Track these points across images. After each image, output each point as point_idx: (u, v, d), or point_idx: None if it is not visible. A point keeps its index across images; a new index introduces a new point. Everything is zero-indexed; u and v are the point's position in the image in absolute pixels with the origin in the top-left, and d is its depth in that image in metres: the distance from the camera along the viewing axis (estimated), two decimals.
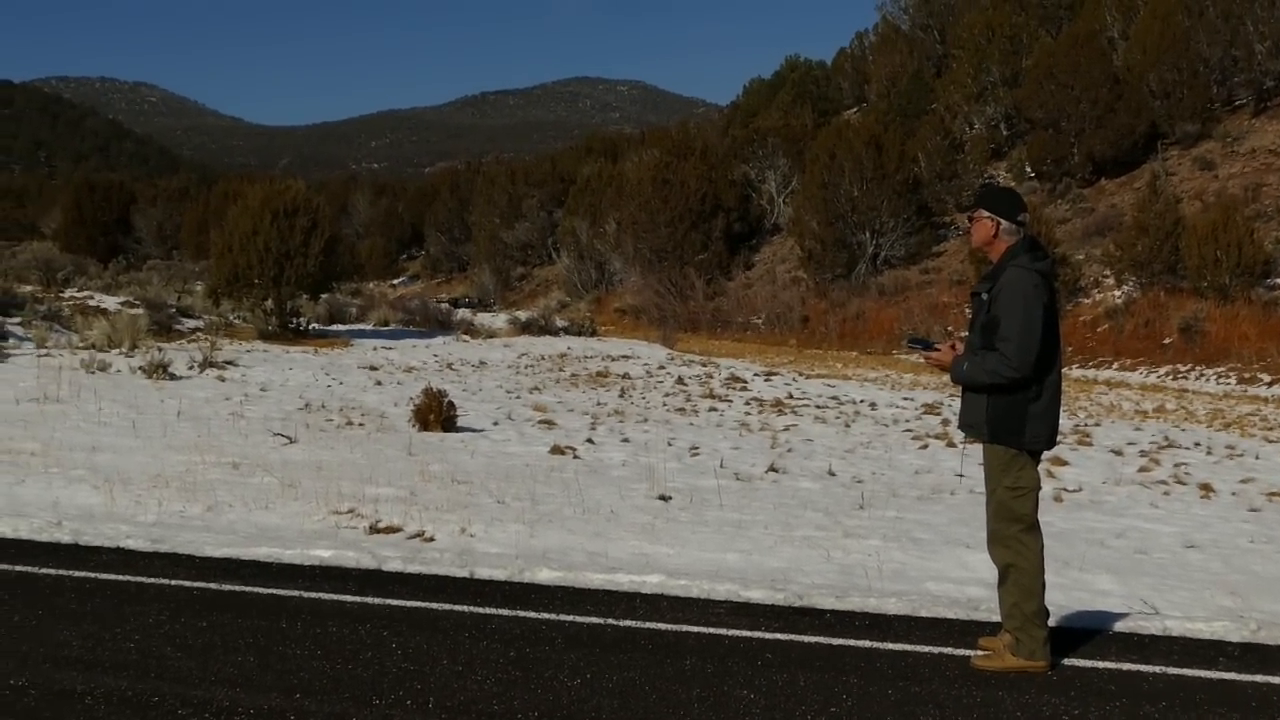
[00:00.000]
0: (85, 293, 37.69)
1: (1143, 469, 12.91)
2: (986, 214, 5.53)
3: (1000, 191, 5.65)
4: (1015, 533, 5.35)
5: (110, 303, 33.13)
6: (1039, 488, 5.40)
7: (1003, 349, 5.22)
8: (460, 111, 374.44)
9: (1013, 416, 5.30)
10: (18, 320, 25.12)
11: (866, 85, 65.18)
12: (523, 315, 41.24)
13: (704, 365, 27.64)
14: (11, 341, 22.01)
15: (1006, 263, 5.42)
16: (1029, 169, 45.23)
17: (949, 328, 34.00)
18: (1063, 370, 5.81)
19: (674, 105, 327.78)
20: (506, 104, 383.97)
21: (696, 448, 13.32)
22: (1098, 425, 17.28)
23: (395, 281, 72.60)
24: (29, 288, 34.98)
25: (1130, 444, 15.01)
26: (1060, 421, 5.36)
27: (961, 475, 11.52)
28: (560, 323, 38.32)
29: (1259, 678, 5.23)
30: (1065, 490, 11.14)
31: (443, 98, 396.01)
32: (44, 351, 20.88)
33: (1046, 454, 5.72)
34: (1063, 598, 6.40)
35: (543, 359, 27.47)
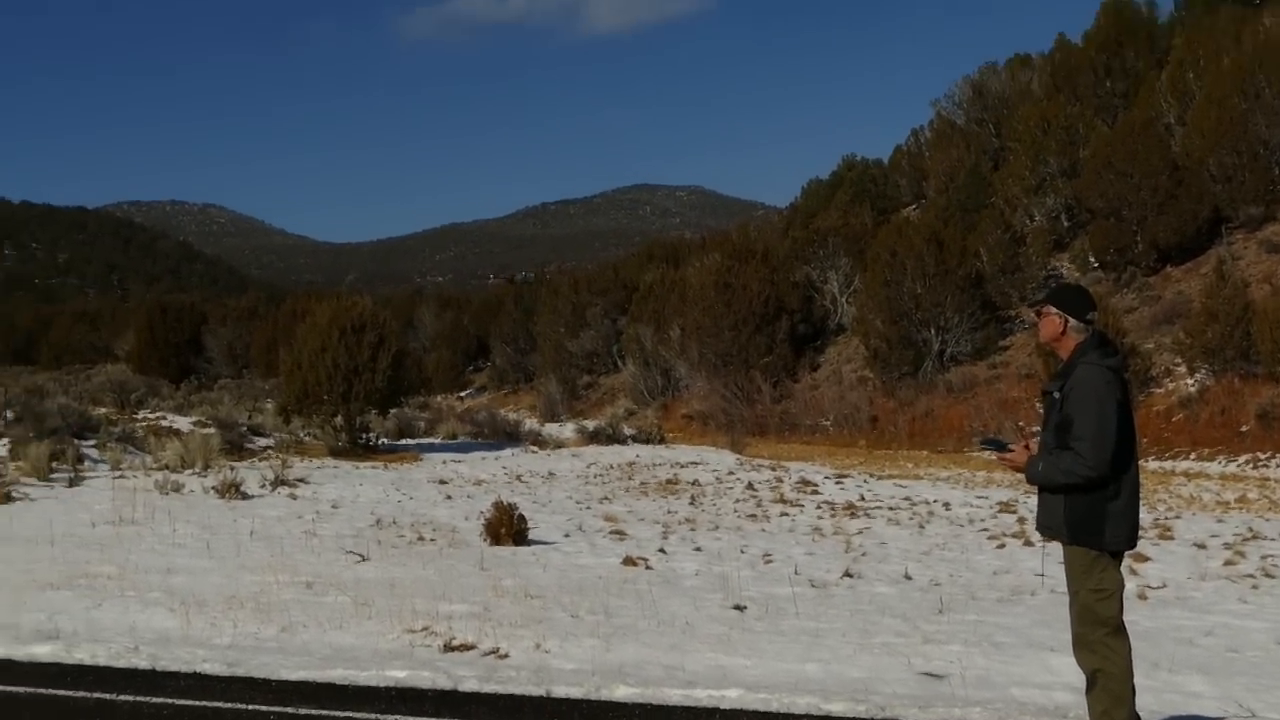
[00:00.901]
0: (158, 414, 38.17)
1: (1228, 562, 12.64)
2: (1054, 311, 5.49)
3: (1068, 289, 5.61)
4: (1101, 636, 5.23)
5: (183, 423, 33.50)
6: (1123, 588, 5.29)
7: (1078, 448, 5.15)
8: (522, 223, 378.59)
9: (1092, 517, 5.21)
10: (93, 443, 25.46)
11: (924, 182, 65.27)
12: (590, 424, 41.26)
13: (773, 469, 27.47)
14: (87, 464, 22.28)
15: (1077, 360, 5.37)
16: (1092, 259, 44.95)
17: (1019, 423, 33.63)
18: (1139, 464, 5.71)
19: (733, 209, 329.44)
20: (568, 214, 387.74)
21: (769, 555, 13.19)
22: (1178, 518, 16.96)
23: (462, 394, 73.00)
24: (104, 410, 35.45)
25: (1213, 537, 14.71)
26: (1140, 517, 5.26)
27: (1042, 575, 11.30)
28: (628, 431, 38.27)
29: None
30: (1149, 587, 10.92)
31: (505, 210, 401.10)
32: (118, 474, 21.12)
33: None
34: (1154, 701, 6.24)
35: (611, 468, 27.42)
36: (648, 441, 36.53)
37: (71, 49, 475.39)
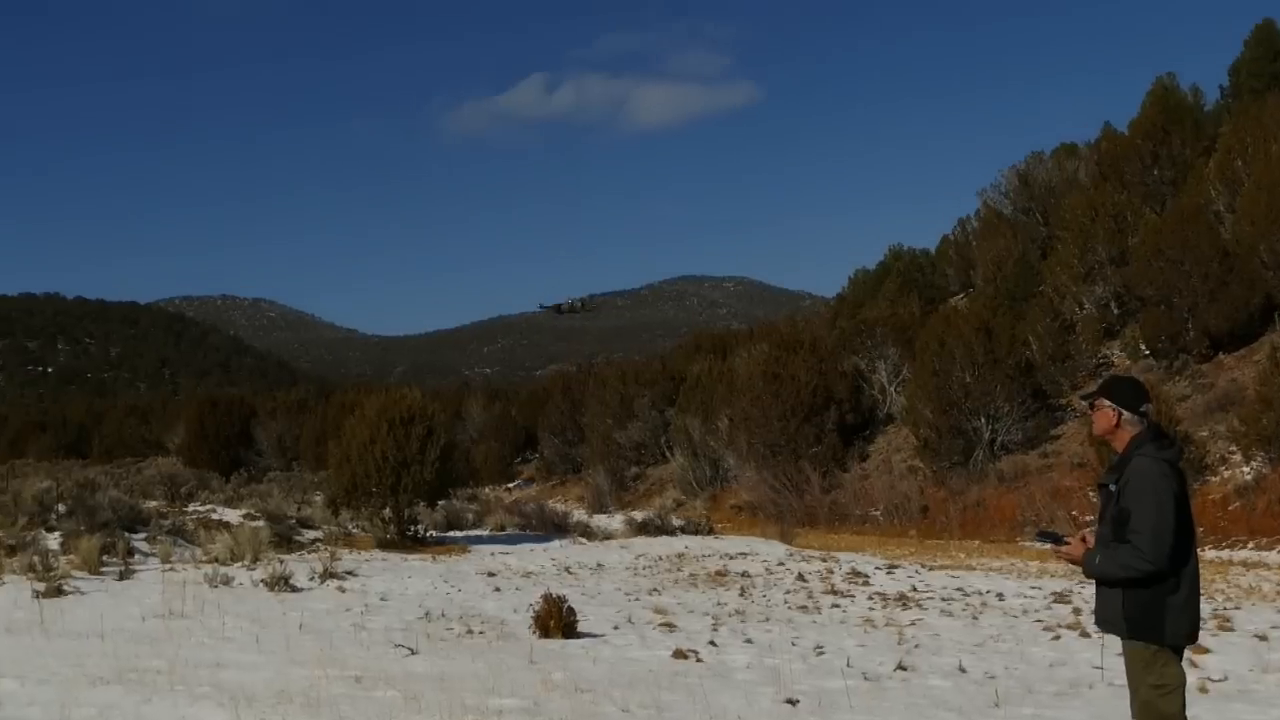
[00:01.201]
0: (208, 506, 38.41)
1: None
2: (1108, 404, 5.46)
3: (1122, 381, 5.58)
4: None
5: (232, 516, 33.67)
6: (1184, 684, 5.20)
7: (1135, 541, 5.08)
8: (569, 315, 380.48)
9: (1151, 611, 5.13)
10: (143, 536, 25.62)
11: (972, 271, 65.21)
12: (638, 516, 41.11)
13: (824, 560, 27.24)
14: (137, 558, 22.41)
15: (1132, 452, 5.32)
16: (1143, 347, 44.63)
17: (1072, 512, 33.25)
18: (1198, 555, 5.63)
19: (780, 299, 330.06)
20: (614, 305, 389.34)
21: (821, 647, 13.05)
22: (1237, 609, 16.65)
23: (510, 485, 73.01)
24: (154, 503, 35.73)
25: (1275, 628, 14.43)
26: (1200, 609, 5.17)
27: (1100, 668, 11.12)
28: (676, 522, 38.12)
29: None
30: (1210, 680, 10.70)
31: (552, 302, 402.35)
32: (168, 567, 21.21)
33: None
34: None
35: (660, 559, 27.27)
36: (696, 533, 36.37)
37: (125, 146, 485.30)
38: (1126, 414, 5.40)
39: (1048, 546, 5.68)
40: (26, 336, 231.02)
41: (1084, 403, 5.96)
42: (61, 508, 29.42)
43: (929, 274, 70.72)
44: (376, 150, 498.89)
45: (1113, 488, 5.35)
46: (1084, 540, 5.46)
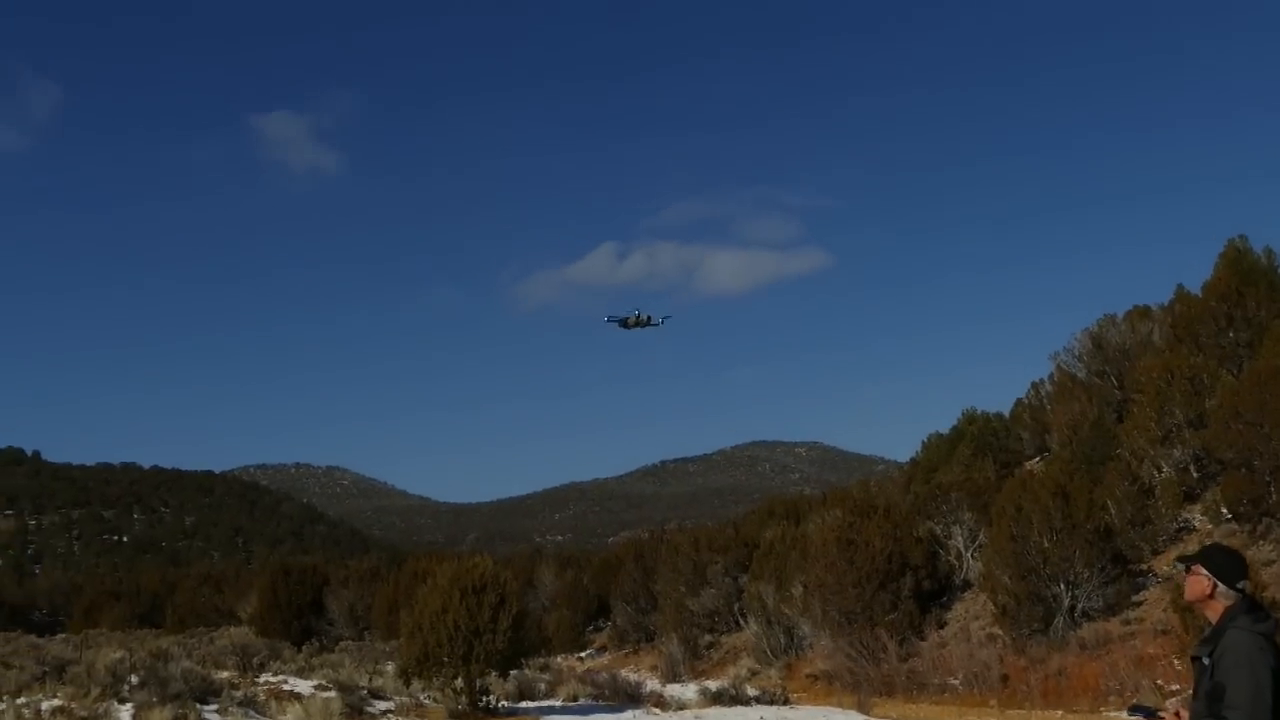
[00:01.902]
0: (280, 677, 38.31)
1: None
2: (1204, 572, 5.36)
3: (1221, 552, 5.49)
4: None
5: (304, 687, 33.56)
6: None
7: (1230, 717, 4.96)
8: (641, 481, 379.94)
9: None
10: (215, 708, 25.58)
11: (1047, 434, 64.61)
12: (712, 685, 40.54)
13: None
14: None
15: (1226, 624, 5.21)
16: (1225, 511, 43.82)
17: (1157, 681, 32.37)
18: None
19: (853, 464, 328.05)
20: (686, 471, 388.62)
21: None
22: None
23: (583, 654, 72.29)
24: (226, 674, 35.71)
25: None
26: None
27: None
28: (751, 691, 37.53)
29: None
30: None
31: (623, 468, 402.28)
32: None
33: None
34: None
35: None
36: (771, 702, 35.80)
37: (200, 320, 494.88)
38: (1221, 586, 5.29)
39: None
40: (103, 506, 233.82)
41: (1179, 566, 5.86)
42: (134, 678, 29.48)
43: (1003, 438, 70.11)
44: (449, 319, 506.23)
45: (1206, 660, 5.22)
46: (1177, 715, 5.33)
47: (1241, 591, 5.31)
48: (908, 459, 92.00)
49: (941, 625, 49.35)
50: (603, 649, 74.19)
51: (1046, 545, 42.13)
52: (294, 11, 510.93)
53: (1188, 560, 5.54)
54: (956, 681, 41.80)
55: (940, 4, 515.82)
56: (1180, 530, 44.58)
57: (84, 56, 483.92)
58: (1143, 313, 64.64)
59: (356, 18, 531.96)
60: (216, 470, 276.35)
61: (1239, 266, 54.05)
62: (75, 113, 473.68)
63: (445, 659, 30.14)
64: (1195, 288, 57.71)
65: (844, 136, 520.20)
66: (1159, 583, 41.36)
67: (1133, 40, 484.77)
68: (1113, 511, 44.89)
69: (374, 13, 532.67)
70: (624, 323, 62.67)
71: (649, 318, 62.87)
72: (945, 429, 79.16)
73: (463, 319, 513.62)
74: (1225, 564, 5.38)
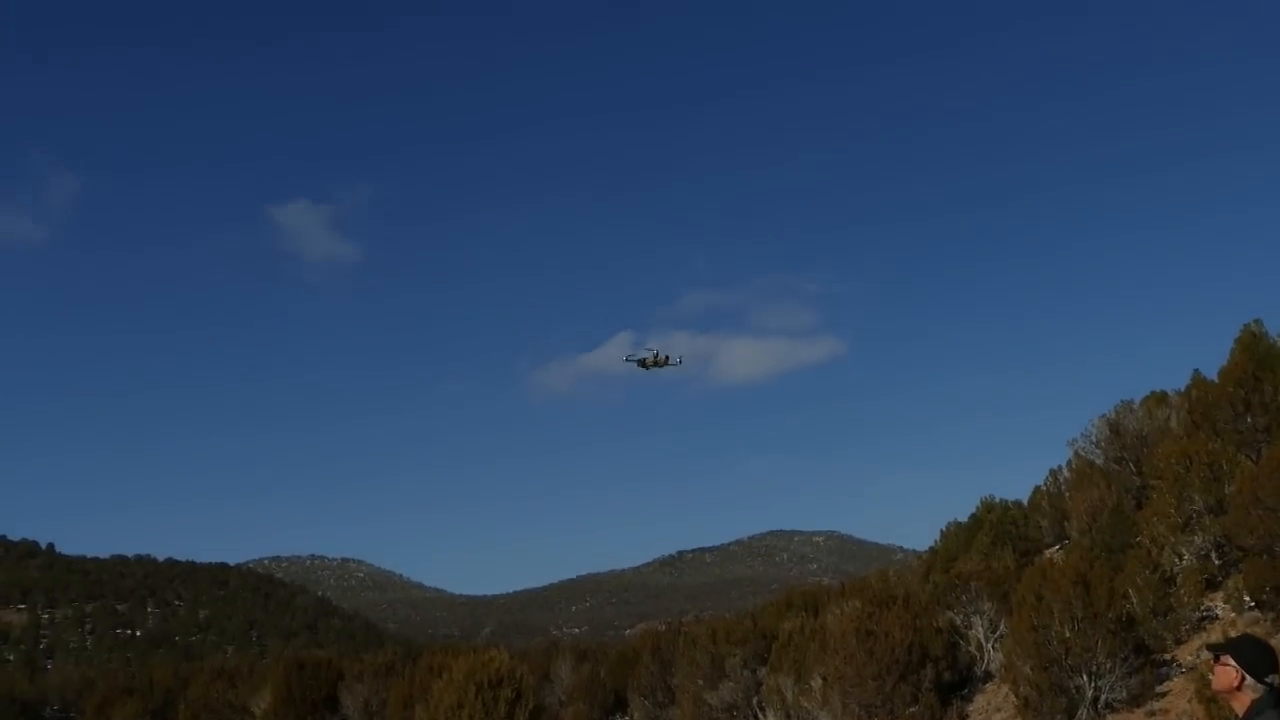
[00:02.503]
0: None
1: None
2: (1233, 664, 5.30)
3: (1252, 645, 5.42)
4: None
5: None
6: None
7: None
8: (658, 572, 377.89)
9: None
10: None
11: (1066, 522, 64.28)
12: None
13: None
14: None
15: (1252, 718, 5.14)
16: (1248, 598, 43.39)
17: None
18: None
19: (871, 553, 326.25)
20: (703, 562, 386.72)
21: None
22: None
23: None
24: None
25: None
26: None
27: None
28: None
29: None
30: None
31: (640, 559, 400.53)
32: None
33: None
34: None
35: None
36: None
37: (219, 420, 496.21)
38: (1250, 679, 5.23)
39: None
40: (116, 599, 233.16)
41: (1209, 654, 5.79)
42: None
43: (1022, 526, 69.70)
44: (463, 409, 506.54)
45: None
46: None
47: (1270, 685, 5.24)
48: (926, 548, 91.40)
49: (963, 718, 48.75)
50: None
51: (1068, 635, 41.69)
52: (313, 103, 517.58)
53: (1217, 650, 5.47)
54: None
55: (954, 99, 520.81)
56: (1203, 619, 44.12)
57: (103, 147, 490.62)
58: (1160, 399, 64.49)
59: (375, 109, 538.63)
60: (231, 562, 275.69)
61: (1255, 351, 53.95)
62: (93, 202, 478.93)
63: None
64: (1212, 373, 57.61)
65: (859, 224, 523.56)
66: (1183, 673, 40.85)
67: (1148, 134, 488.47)
68: (1134, 600, 44.47)
69: (393, 104, 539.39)
70: (643, 363, 62.61)
71: (667, 358, 62.85)
72: (964, 517, 78.68)
73: (478, 409, 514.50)
74: (1255, 656, 5.31)
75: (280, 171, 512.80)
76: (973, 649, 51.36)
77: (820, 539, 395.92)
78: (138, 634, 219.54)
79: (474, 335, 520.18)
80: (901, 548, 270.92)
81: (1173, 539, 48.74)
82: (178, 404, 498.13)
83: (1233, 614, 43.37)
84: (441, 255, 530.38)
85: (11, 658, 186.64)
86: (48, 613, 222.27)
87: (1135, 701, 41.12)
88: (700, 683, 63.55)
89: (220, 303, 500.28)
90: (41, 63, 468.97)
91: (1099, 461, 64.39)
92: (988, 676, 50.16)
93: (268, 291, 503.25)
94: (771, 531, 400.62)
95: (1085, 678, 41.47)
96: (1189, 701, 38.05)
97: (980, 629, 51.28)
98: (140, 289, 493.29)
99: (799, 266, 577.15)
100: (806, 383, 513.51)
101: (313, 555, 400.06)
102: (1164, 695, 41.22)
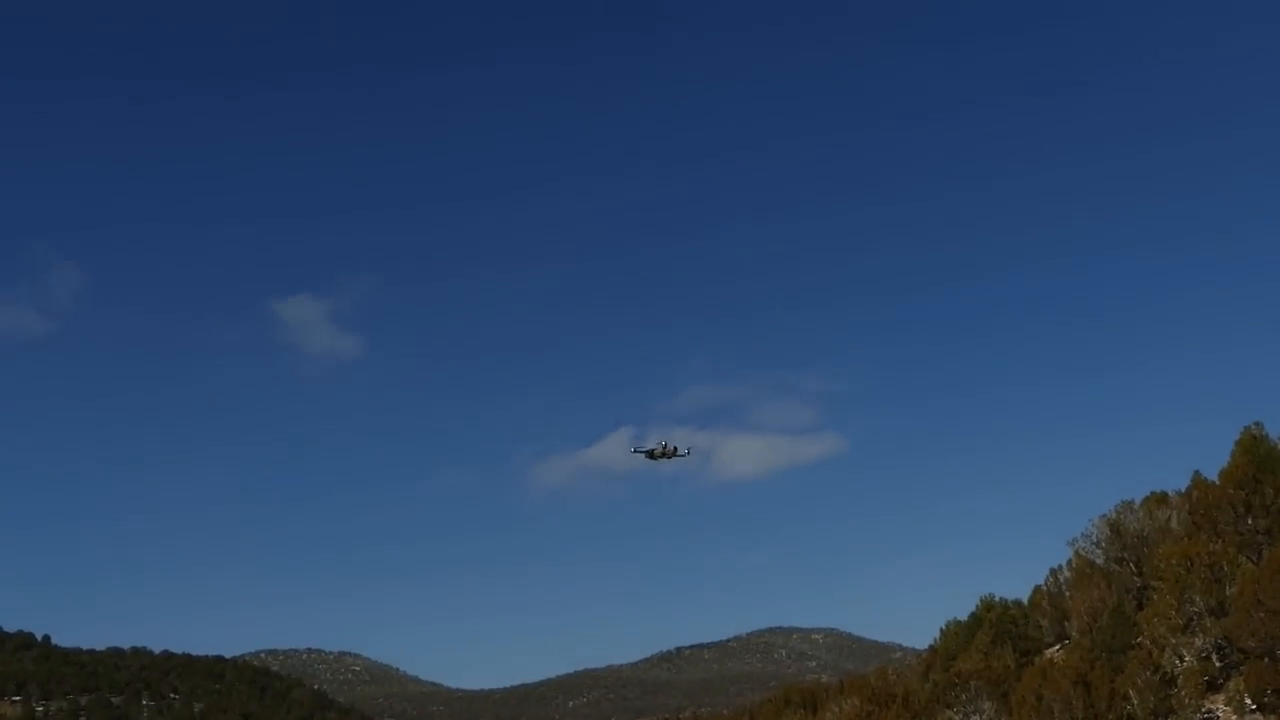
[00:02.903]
0: None
1: None
2: None
3: None
4: None
5: None
6: None
7: None
8: (656, 667, 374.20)
9: None
10: None
11: (1066, 621, 63.96)
12: None
13: None
14: None
15: None
16: (1249, 700, 43.16)
17: None
18: None
19: (870, 651, 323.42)
20: (701, 658, 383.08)
21: None
22: None
23: None
24: None
25: None
26: None
27: None
28: None
29: None
30: None
31: (638, 654, 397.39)
32: None
33: None
34: None
35: None
36: None
37: (217, 502, 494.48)
38: None
39: None
40: (111, 691, 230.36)
41: None
42: None
43: (1022, 625, 69.32)
44: (462, 502, 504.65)
45: None
46: None
47: None
48: (926, 646, 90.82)
49: None
50: None
51: None
52: (313, 197, 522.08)
53: None
54: None
55: (949, 186, 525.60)
56: None
57: (106, 241, 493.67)
58: (1160, 499, 64.43)
59: (375, 201, 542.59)
60: (227, 655, 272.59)
61: (1255, 453, 54.07)
62: (96, 296, 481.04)
63: None
64: (1212, 474, 57.67)
65: (857, 322, 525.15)
66: None
67: (1141, 221, 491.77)
68: (1135, 701, 44.21)
69: (393, 197, 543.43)
70: (650, 454, 62.72)
71: (674, 449, 62.97)
72: (964, 616, 78.30)
73: (477, 502, 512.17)
74: None
75: (282, 266, 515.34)
76: None
77: (819, 636, 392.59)
78: None
79: (474, 428, 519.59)
80: (901, 645, 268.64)
81: (1173, 640, 48.54)
82: (175, 496, 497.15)
83: (1234, 716, 43.13)
84: (443, 349, 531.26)
85: None
86: (42, 705, 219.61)
87: None
88: None
89: (221, 396, 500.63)
90: (45, 160, 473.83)
91: (1099, 561, 64.18)
92: None
93: (268, 384, 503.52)
94: (771, 628, 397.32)
95: None
96: None
97: None
98: (141, 381, 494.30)
99: (799, 364, 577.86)
100: (806, 479, 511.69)
101: (310, 648, 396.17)
102: None
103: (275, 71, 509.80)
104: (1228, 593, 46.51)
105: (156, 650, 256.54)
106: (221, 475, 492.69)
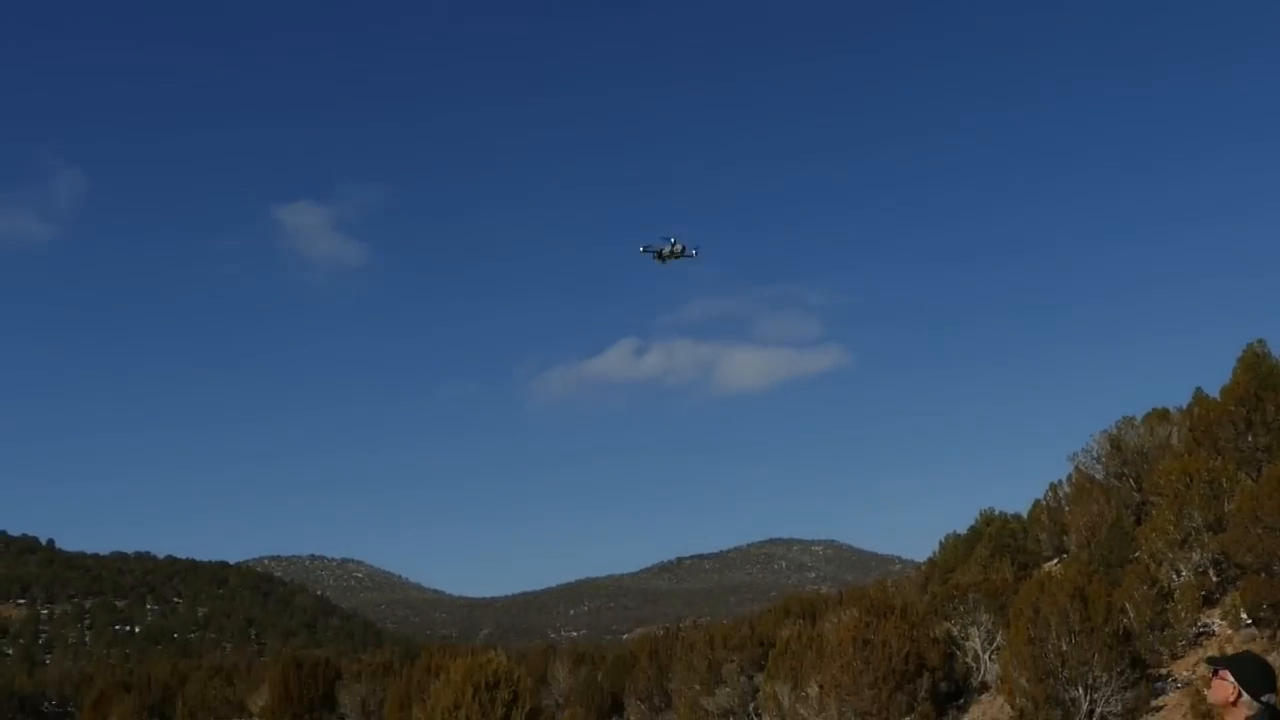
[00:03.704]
0: None
1: None
2: (1230, 679, 5.39)
3: (1251, 662, 5.50)
4: None
5: None
6: None
7: None
8: (657, 577, 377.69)
9: None
10: None
11: (1065, 536, 64.39)
12: None
13: None
14: None
15: None
16: (1245, 615, 43.52)
17: None
18: None
19: (870, 563, 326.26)
20: (702, 568, 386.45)
21: None
22: None
23: None
24: None
25: None
26: None
27: None
28: None
29: None
30: None
31: (638, 564, 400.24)
32: None
33: None
34: None
35: None
36: None
37: (220, 410, 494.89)
38: (1245, 695, 5.31)
39: None
40: (116, 595, 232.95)
41: (1208, 667, 5.90)
42: None
43: (1021, 539, 69.80)
44: (464, 413, 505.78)
45: None
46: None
47: (1267, 705, 5.32)
48: (925, 559, 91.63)
49: None
50: None
51: (1065, 648, 41.81)
52: (318, 104, 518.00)
53: (1216, 663, 5.54)
54: None
55: (957, 104, 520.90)
56: (1200, 635, 44.26)
57: (109, 145, 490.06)
58: (1161, 415, 64.59)
59: (381, 112, 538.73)
60: (231, 561, 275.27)
61: (1257, 370, 54.09)
62: (99, 201, 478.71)
63: None
64: (1214, 391, 57.77)
65: (863, 234, 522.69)
66: (1179, 687, 41.00)
67: (1152, 140, 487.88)
68: (1131, 615, 44.58)
69: (399, 108, 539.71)
70: (659, 255, 62.32)
71: (684, 248, 62.47)
72: (963, 529, 78.86)
73: (479, 413, 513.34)
74: (1253, 674, 5.37)
75: (284, 172, 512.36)
76: (969, 660, 51.50)
77: (819, 548, 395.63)
78: (136, 630, 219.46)
79: (476, 339, 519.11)
80: (900, 558, 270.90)
81: (1171, 555, 48.88)
82: (179, 402, 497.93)
83: (1229, 630, 43.52)
84: (445, 259, 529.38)
85: (10, 652, 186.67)
86: (47, 608, 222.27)
87: (1131, 715, 41.24)
88: (697, 688, 63.63)
89: (222, 302, 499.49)
90: (47, 62, 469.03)
91: (1099, 476, 64.46)
92: (984, 687, 50.30)
93: (269, 292, 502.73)
94: (771, 539, 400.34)
95: (1081, 690, 41.58)
96: (1184, 716, 38.20)
97: (977, 640, 51.41)
98: (143, 288, 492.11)
99: (804, 277, 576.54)
100: (808, 392, 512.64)
101: (312, 555, 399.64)
102: (1159, 709, 41.37)
103: None
104: (1226, 509, 46.74)
105: (160, 555, 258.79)
106: (224, 382, 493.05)
